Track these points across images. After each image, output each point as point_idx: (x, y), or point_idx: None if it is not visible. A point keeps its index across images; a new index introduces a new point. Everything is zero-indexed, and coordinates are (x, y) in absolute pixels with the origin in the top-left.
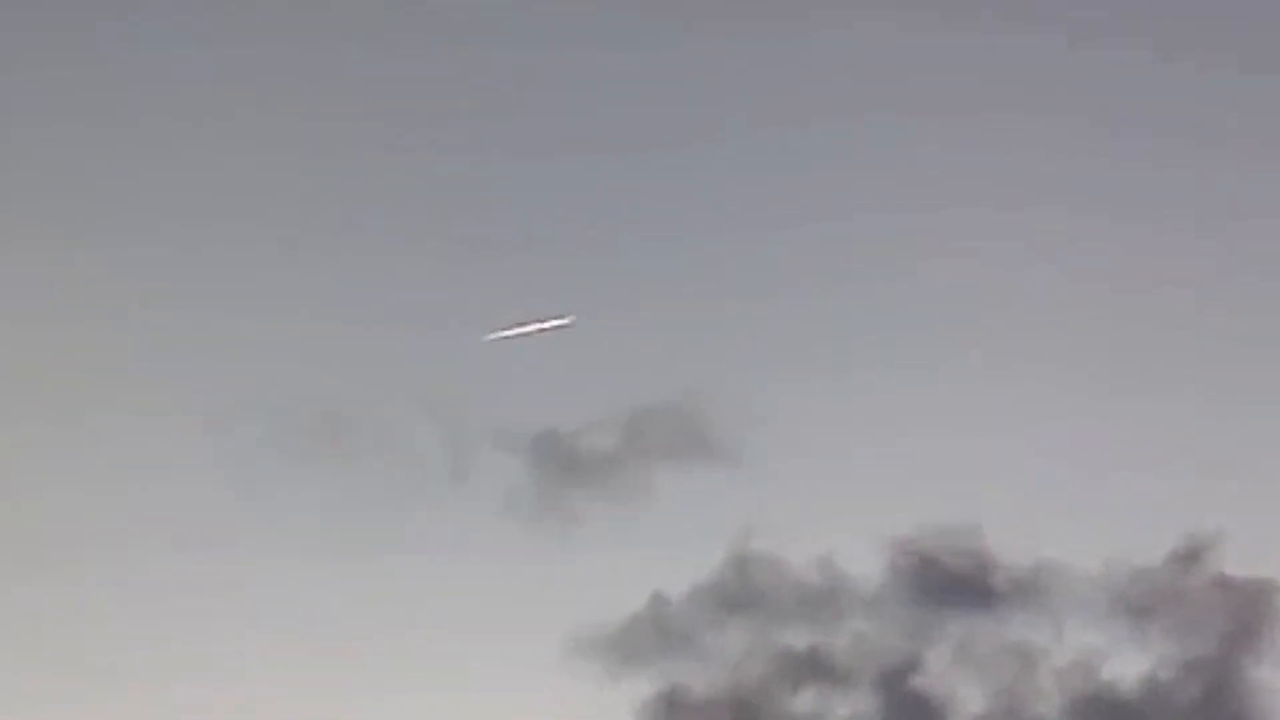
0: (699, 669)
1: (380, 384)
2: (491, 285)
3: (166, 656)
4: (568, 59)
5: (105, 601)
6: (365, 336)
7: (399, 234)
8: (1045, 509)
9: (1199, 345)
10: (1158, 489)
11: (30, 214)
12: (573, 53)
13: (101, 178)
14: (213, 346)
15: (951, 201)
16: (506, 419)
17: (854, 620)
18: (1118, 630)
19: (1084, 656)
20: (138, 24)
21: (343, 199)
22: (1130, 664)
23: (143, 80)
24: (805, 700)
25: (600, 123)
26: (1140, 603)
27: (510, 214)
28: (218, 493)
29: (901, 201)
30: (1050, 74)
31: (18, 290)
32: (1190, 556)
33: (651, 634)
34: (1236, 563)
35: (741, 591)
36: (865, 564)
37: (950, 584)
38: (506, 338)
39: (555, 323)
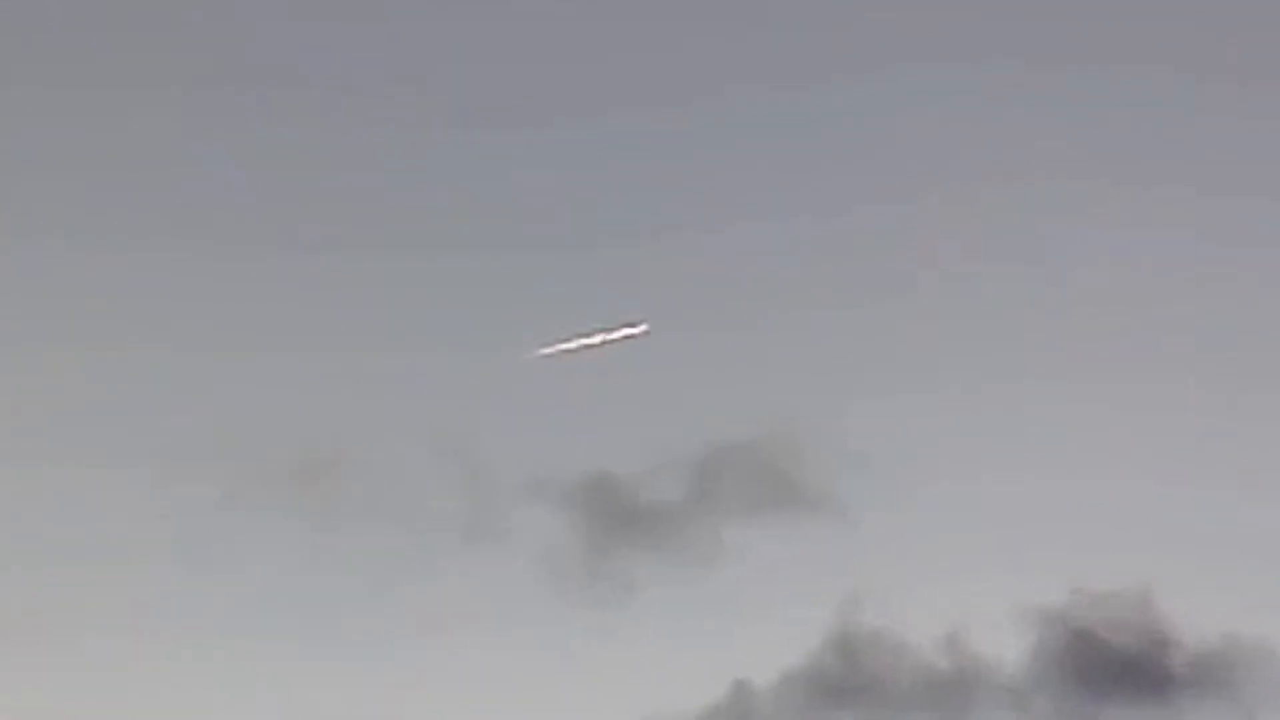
0: None
1: (376, 419)
2: (521, 292)
3: None
4: None
5: (31, 695)
6: (354, 360)
7: (391, 231)
8: (1233, 569)
9: None
10: None
11: None
12: None
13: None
14: (161, 380)
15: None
16: (544, 462)
17: (991, 714)
18: None
19: None
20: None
21: (320, 191)
22: None
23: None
24: None
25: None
26: None
27: (547, 204)
28: (168, 563)
29: (1037, 201)
30: None
31: None
32: None
33: None
34: None
35: (846, 678)
36: (1004, 642)
37: (1114, 666)
38: (557, 354)
39: (626, 332)
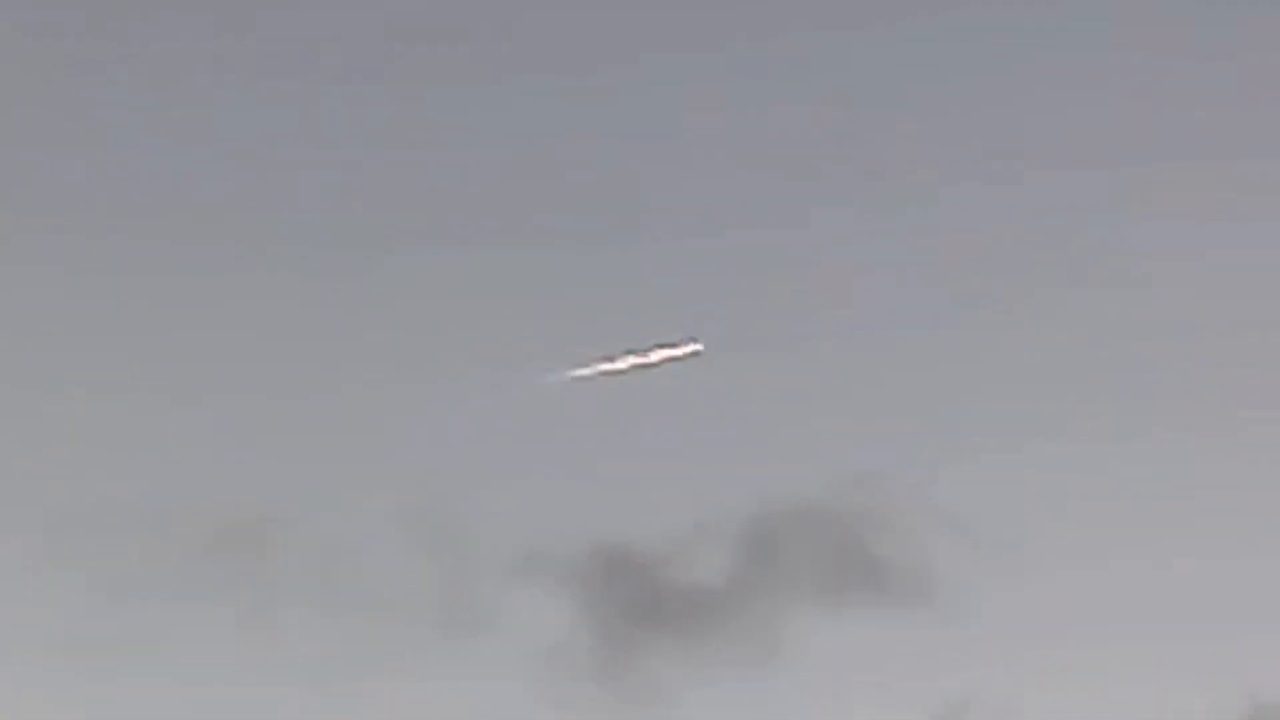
0: None
1: (321, 474)
2: (519, 302)
3: None
4: None
5: None
6: (292, 400)
7: (360, 229)
8: None
9: None
10: None
11: None
12: None
13: None
14: (38, 428)
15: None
16: (545, 531)
17: None
18: None
19: None
20: None
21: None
22: None
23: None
24: None
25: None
26: None
27: (556, 200)
28: (48, 664)
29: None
30: None
31: None
32: None
33: None
34: None
35: None
36: None
37: None
38: (566, 382)
39: (686, 349)
